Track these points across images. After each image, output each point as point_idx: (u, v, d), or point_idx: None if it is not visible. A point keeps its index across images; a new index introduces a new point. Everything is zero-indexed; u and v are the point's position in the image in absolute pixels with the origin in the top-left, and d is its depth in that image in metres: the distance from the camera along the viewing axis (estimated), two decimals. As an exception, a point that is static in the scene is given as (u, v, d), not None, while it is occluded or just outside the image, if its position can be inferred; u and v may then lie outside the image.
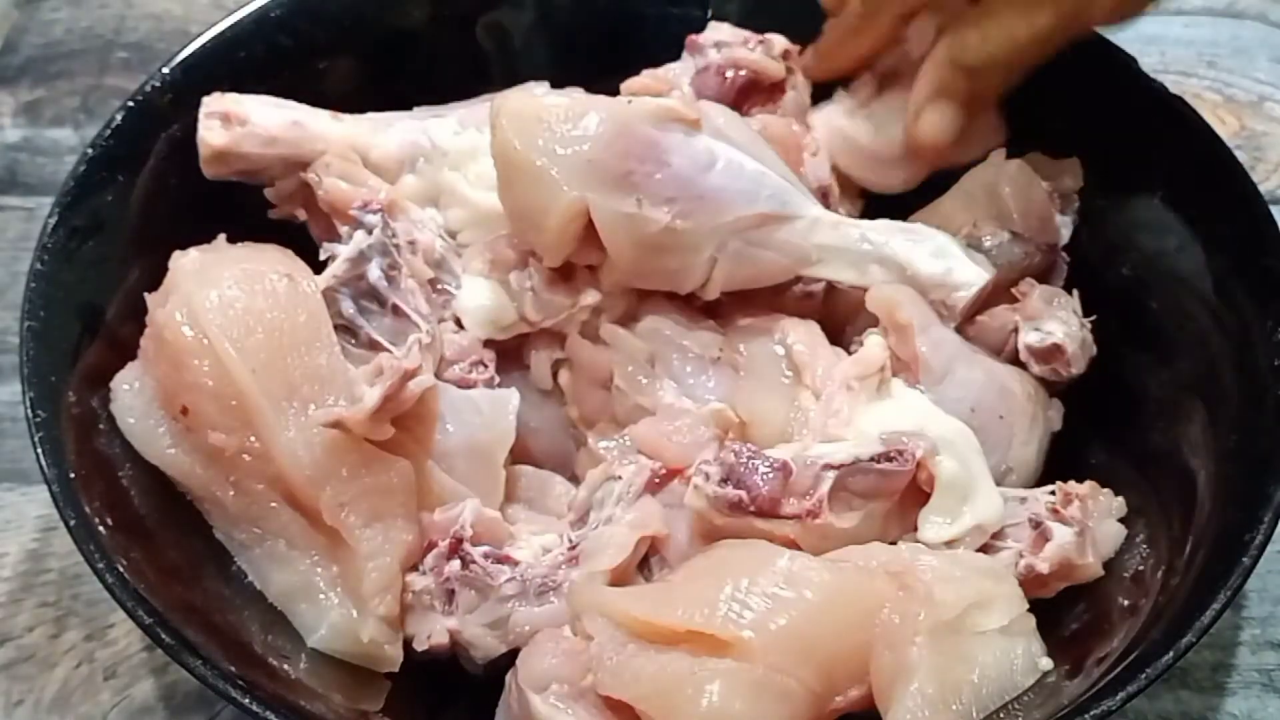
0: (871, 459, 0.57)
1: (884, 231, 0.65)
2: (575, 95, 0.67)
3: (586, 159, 0.60)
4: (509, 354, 0.66)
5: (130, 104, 0.68)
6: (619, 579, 0.58)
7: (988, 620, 0.55)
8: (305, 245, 0.66)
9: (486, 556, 0.59)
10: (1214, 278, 0.64)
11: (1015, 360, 0.65)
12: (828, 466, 0.57)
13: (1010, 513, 0.60)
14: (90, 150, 0.66)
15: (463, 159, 0.68)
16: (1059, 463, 0.64)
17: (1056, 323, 0.64)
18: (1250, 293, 0.62)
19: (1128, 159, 0.68)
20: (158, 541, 0.59)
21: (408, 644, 0.59)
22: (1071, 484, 0.61)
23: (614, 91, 0.70)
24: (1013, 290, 0.66)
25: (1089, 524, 0.59)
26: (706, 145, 0.62)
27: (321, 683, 0.57)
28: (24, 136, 0.89)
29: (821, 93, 0.73)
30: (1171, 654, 0.52)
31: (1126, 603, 0.58)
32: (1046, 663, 0.56)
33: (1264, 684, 0.66)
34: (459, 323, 0.65)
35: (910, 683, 0.52)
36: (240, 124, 0.67)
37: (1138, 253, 0.68)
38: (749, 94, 0.71)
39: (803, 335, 0.64)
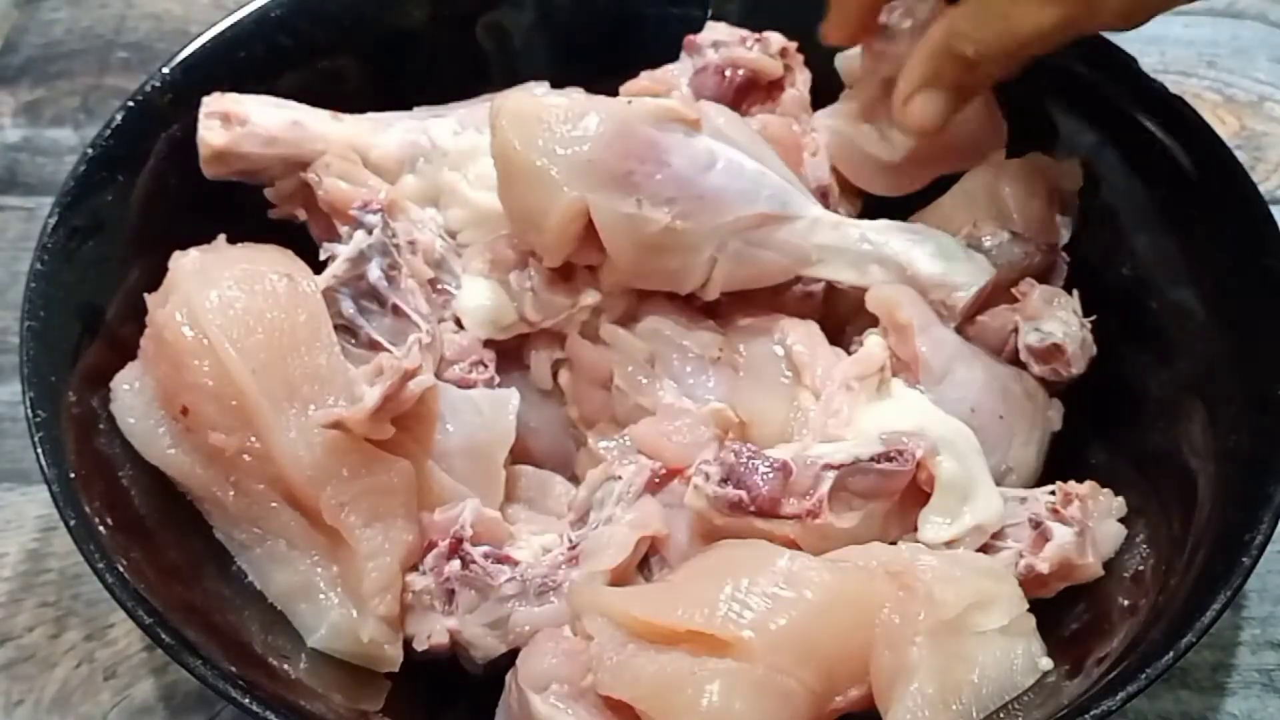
0: (871, 459, 0.57)
1: (884, 231, 0.65)
2: (575, 95, 0.67)
3: (586, 159, 0.60)
4: (509, 354, 0.66)
5: (130, 104, 0.68)
6: (619, 579, 0.58)
7: (988, 620, 0.55)
8: (305, 245, 0.66)
9: (486, 556, 0.59)
10: (1214, 278, 0.64)
11: (1015, 360, 0.65)
12: (828, 466, 0.57)
13: (1010, 513, 0.60)
14: (90, 150, 0.66)
15: (463, 159, 0.68)
16: (1059, 463, 0.64)
17: (1056, 323, 0.64)
18: (1250, 293, 0.62)
19: (1128, 159, 0.68)
20: (158, 541, 0.59)
21: (408, 644, 0.59)
22: (1071, 484, 0.61)
23: (614, 92, 0.70)
24: (1013, 290, 0.66)
25: (1089, 524, 0.60)
26: (706, 145, 0.62)
27: (321, 683, 0.57)
28: (24, 136, 0.89)
29: (822, 94, 0.73)
30: (1171, 654, 0.52)
31: (1126, 603, 0.58)
32: (1046, 663, 0.56)
33: (1264, 684, 0.66)
34: (459, 323, 0.65)
35: (910, 683, 0.52)
36: (240, 124, 0.67)
37: (1138, 253, 0.68)
38: (748, 93, 0.71)
39: (802, 335, 0.64)
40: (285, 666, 0.57)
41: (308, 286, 0.61)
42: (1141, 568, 0.59)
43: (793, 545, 0.57)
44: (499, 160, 0.62)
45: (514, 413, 0.63)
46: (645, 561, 0.60)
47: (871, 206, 0.71)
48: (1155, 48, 0.91)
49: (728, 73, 0.71)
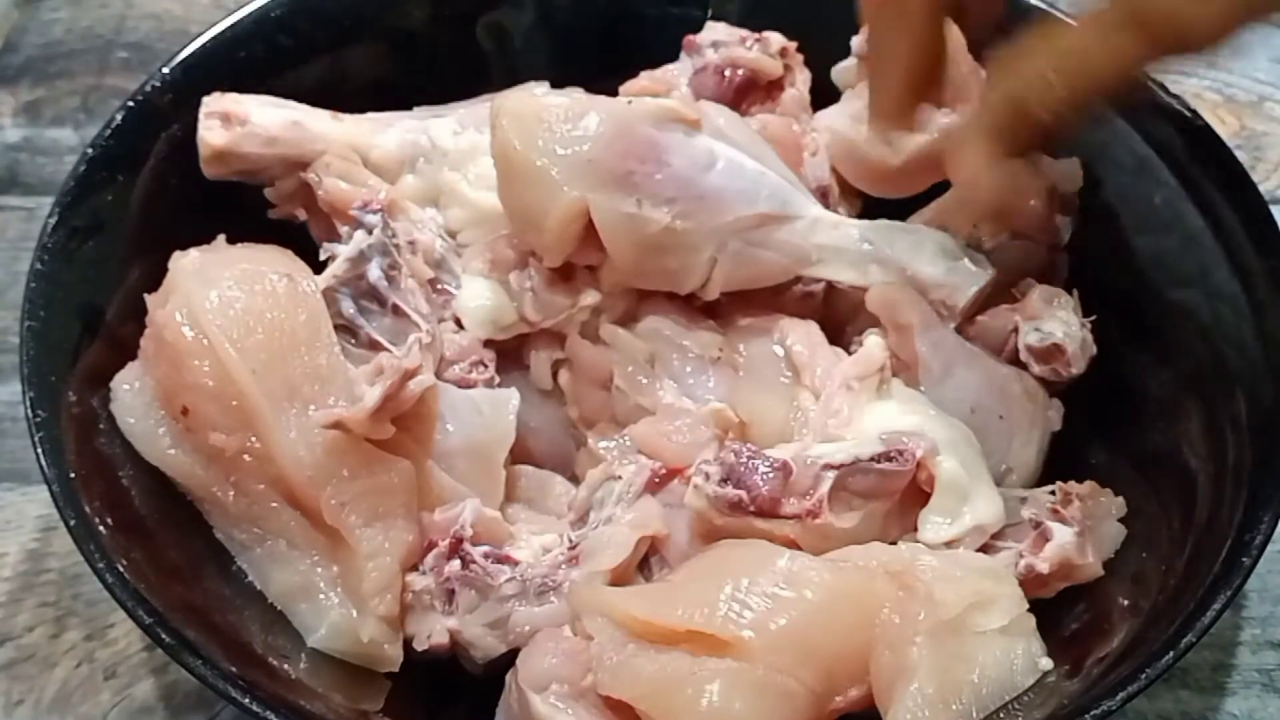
0: (871, 459, 0.57)
1: (884, 231, 0.65)
2: (575, 95, 0.67)
3: (587, 159, 0.60)
4: (509, 354, 0.66)
5: (130, 104, 0.68)
6: (619, 579, 0.58)
7: (988, 620, 0.55)
8: (305, 245, 0.66)
9: (486, 556, 0.59)
10: (1214, 278, 0.64)
11: (1015, 360, 0.65)
12: (828, 466, 0.57)
13: (1010, 513, 0.60)
14: (90, 150, 0.66)
15: (463, 159, 0.68)
16: (1059, 463, 0.64)
17: (1056, 323, 0.64)
18: (1250, 293, 0.62)
19: (1128, 159, 0.68)
20: (158, 541, 0.59)
21: (408, 644, 0.59)
22: (1071, 484, 0.61)
23: (614, 92, 0.70)
24: (1012, 290, 0.66)
25: (1089, 524, 0.60)
26: (706, 145, 0.62)
27: (321, 683, 0.57)
28: (24, 136, 0.89)
29: (822, 94, 0.72)
30: (1171, 654, 0.52)
31: (1126, 603, 0.58)
32: (1046, 663, 0.56)
33: (1264, 684, 0.66)
34: (459, 323, 0.65)
35: (910, 683, 0.52)
36: (240, 124, 0.67)
37: (1138, 253, 0.68)
38: (747, 93, 0.71)
39: (802, 336, 0.64)
40: (285, 666, 0.57)
41: (308, 286, 0.61)
42: (1141, 568, 0.60)
43: (793, 545, 0.57)
44: (499, 160, 0.62)
45: (514, 413, 0.63)
46: (645, 561, 0.60)
47: (871, 206, 0.71)
48: (1155, 47, 0.90)
49: (727, 73, 0.71)
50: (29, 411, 0.59)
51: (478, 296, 0.65)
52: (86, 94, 0.91)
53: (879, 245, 0.64)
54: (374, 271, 0.63)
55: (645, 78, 0.72)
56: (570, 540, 0.60)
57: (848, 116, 0.70)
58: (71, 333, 0.63)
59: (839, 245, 0.64)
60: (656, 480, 0.60)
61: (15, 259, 0.82)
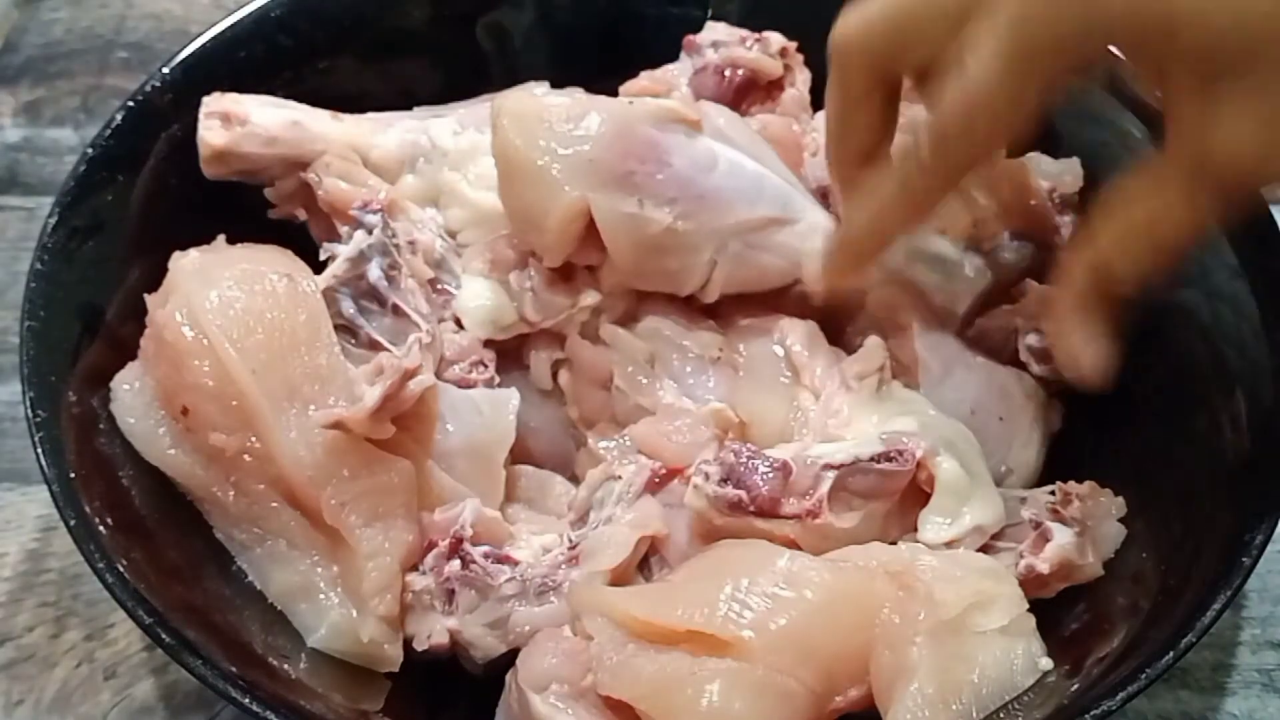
0: (871, 459, 0.57)
1: None
2: (576, 95, 0.67)
3: (588, 159, 0.60)
4: (509, 354, 0.66)
5: (130, 104, 0.68)
6: (619, 579, 0.58)
7: (988, 620, 0.55)
8: (305, 245, 0.66)
9: (486, 556, 0.59)
10: (1214, 278, 0.64)
11: (1015, 361, 0.65)
12: (828, 466, 0.57)
13: (1010, 513, 0.60)
14: (90, 150, 0.66)
15: (463, 159, 0.68)
16: (1059, 463, 0.64)
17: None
18: (1250, 293, 0.62)
19: (1128, 159, 0.68)
20: (158, 541, 0.59)
21: (408, 644, 0.59)
22: (1071, 484, 0.61)
23: (614, 92, 0.70)
24: (1012, 291, 0.66)
25: (1089, 524, 0.59)
26: (707, 146, 0.62)
27: (321, 683, 0.57)
28: (24, 136, 0.89)
29: (822, 94, 0.72)
30: (1171, 654, 0.52)
31: (1126, 603, 0.58)
32: (1046, 663, 0.56)
33: (1264, 684, 0.66)
34: (459, 323, 0.65)
35: (910, 683, 0.52)
36: (240, 124, 0.67)
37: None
38: (747, 93, 0.71)
39: (801, 336, 0.64)
40: (285, 666, 0.57)
41: (308, 286, 0.61)
42: (1141, 568, 0.59)
43: (793, 545, 0.57)
44: (500, 159, 0.62)
45: (514, 413, 0.63)
46: (645, 561, 0.59)
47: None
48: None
49: (727, 73, 0.71)
50: (29, 411, 0.59)
51: (478, 296, 0.65)
52: (86, 94, 0.91)
53: None
54: (374, 271, 0.63)
55: (645, 78, 0.72)
56: (570, 540, 0.60)
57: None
58: (71, 333, 0.63)
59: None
60: (656, 480, 0.60)
61: (15, 259, 0.82)
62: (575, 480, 0.65)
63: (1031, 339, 0.64)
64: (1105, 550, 0.60)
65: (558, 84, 0.73)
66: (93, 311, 0.64)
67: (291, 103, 0.69)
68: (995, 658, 0.54)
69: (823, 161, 0.69)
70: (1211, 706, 0.65)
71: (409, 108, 0.71)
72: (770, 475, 0.57)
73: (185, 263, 0.62)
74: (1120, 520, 0.61)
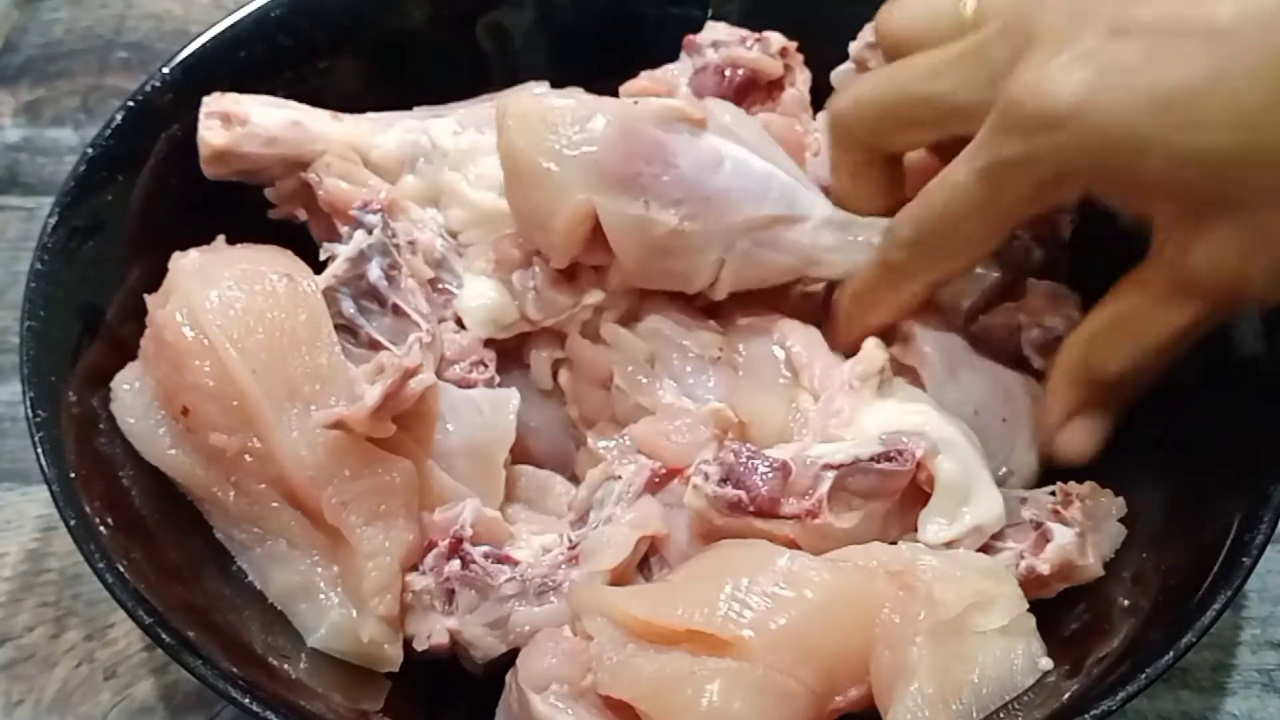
0: (871, 459, 0.57)
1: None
2: (580, 97, 0.67)
3: (593, 161, 0.60)
4: (509, 354, 0.66)
5: (130, 104, 0.68)
6: (619, 579, 0.58)
7: (988, 620, 0.55)
8: (305, 245, 0.66)
9: (486, 556, 0.59)
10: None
11: (1019, 359, 0.64)
12: (827, 466, 0.57)
13: (1010, 513, 0.60)
14: (90, 150, 0.66)
15: (463, 159, 0.68)
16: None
17: (1059, 318, 0.64)
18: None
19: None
20: (158, 541, 0.59)
21: (408, 644, 0.59)
22: (1072, 485, 0.61)
23: (614, 92, 0.70)
24: (1014, 290, 0.66)
25: (1090, 524, 0.59)
26: (713, 145, 0.62)
27: (321, 683, 0.57)
28: (24, 136, 0.89)
29: (822, 95, 0.72)
30: (1171, 654, 0.52)
31: (1126, 603, 0.58)
32: (1046, 663, 0.56)
33: (1264, 684, 0.66)
34: (459, 323, 0.65)
35: (910, 683, 0.52)
36: (240, 124, 0.67)
37: (1138, 252, 0.67)
38: (748, 92, 0.71)
39: (800, 337, 0.64)
40: (285, 666, 0.57)
41: (308, 286, 0.61)
42: (1141, 568, 0.59)
43: (792, 545, 0.56)
44: (505, 161, 0.62)
45: (514, 413, 0.63)
46: (645, 561, 0.59)
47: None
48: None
49: (728, 72, 0.71)
50: (29, 411, 0.59)
51: (479, 295, 0.65)
52: (86, 94, 0.91)
53: None
54: (374, 271, 0.63)
55: (645, 78, 0.72)
56: (570, 540, 0.60)
57: (825, 130, 0.70)
58: (71, 333, 0.63)
59: (845, 247, 0.64)
60: (656, 480, 0.60)
61: (15, 259, 0.82)
62: (575, 480, 0.65)
63: (1035, 334, 0.64)
64: (1106, 550, 0.60)
65: (558, 84, 0.73)
66: (93, 311, 0.64)
67: (291, 103, 0.69)
68: (995, 658, 0.54)
69: (824, 161, 0.70)
70: (1211, 706, 0.65)
71: (409, 108, 0.71)
72: (770, 475, 0.57)
73: (185, 263, 0.62)
74: (1120, 520, 0.61)
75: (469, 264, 0.66)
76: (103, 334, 0.64)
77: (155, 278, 0.62)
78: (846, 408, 0.61)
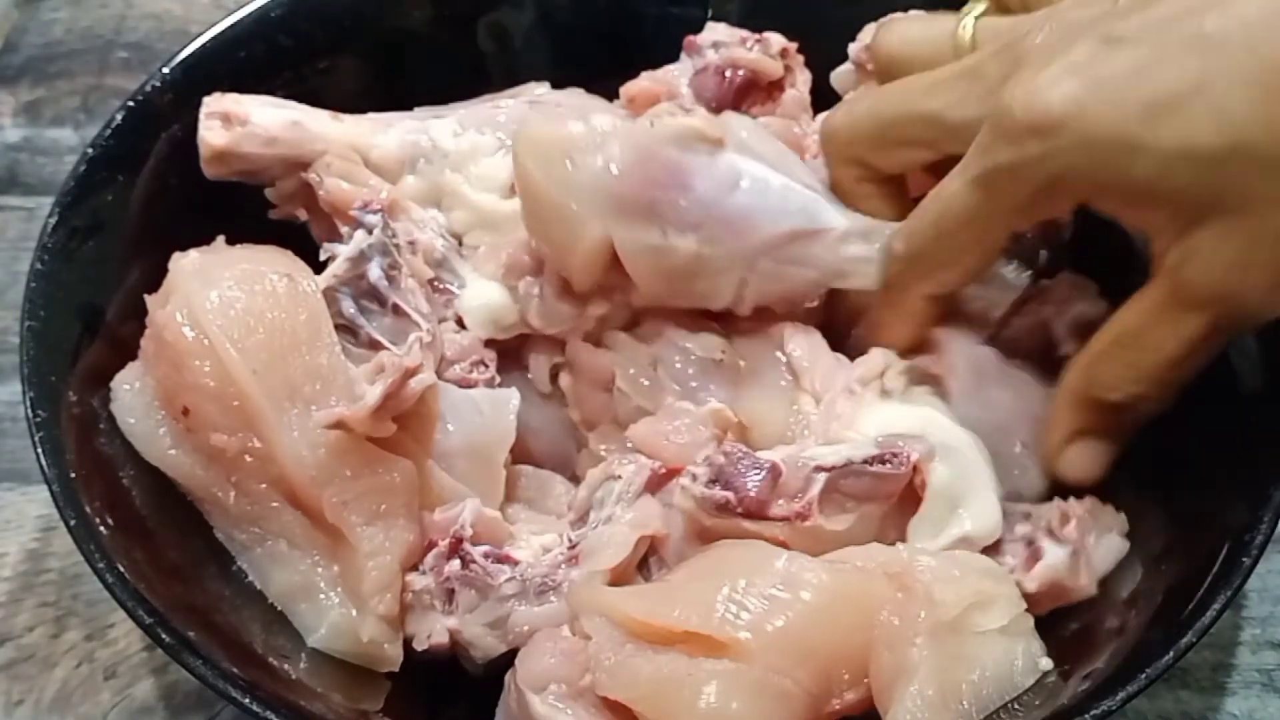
0: (864, 461, 0.57)
1: None
2: (595, 119, 0.65)
3: (609, 191, 0.59)
4: (509, 354, 0.66)
5: (130, 104, 0.68)
6: (619, 579, 0.58)
7: (987, 620, 0.55)
8: (305, 245, 0.66)
9: (486, 556, 0.59)
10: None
11: (1053, 359, 0.63)
12: (819, 469, 0.57)
13: (1010, 528, 0.59)
14: (90, 150, 0.66)
15: (464, 160, 0.68)
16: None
17: (1087, 304, 0.64)
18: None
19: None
20: (158, 541, 0.59)
21: (408, 644, 0.59)
22: (1071, 502, 0.60)
23: (614, 92, 0.70)
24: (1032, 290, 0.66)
25: (1086, 542, 0.59)
26: (730, 163, 0.61)
27: (321, 683, 0.57)
28: (24, 136, 0.89)
29: (823, 96, 0.72)
30: (1171, 654, 0.52)
31: (1127, 602, 0.58)
32: (1046, 663, 0.55)
33: (1264, 684, 0.66)
34: (460, 322, 0.65)
35: (910, 684, 0.52)
36: (241, 124, 0.67)
37: (1138, 253, 0.67)
38: (748, 93, 0.71)
39: (802, 341, 0.63)
40: (285, 666, 0.57)
41: (308, 286, 0.61)
42: (1142, 567, 0.59)
43: (787, 547, 0.56)
44: (522, 192, 0.61)
45: (514, 413, 0.63)
46: (644, 562, 0.59)
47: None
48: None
49: (728, 73, 0.70)
50: (29, 411, 0.59)
51: (480, 296, 0.65)
52: (86, 94, 0.91)
53: None
54: (374, 271, 0.63)
55: (645, 78, 0.72)
56: (570, 540, 0.60)
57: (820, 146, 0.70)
58: (71, 333, 0.63)
59: (870, 256, 0.62)
60: (656, 480, 0.60)
61: (15, 259, 0.82)
62: (575, 480, 0.64)
63: (1066, 320, 0.63)
64: (1101, 570, 0.59)
65: (558, 84, 0.73)
66: (93, 311, 0.64)
67: (291, 103, 0.69)
68: (995, 658, 0.54)
69: (822, 164, 0.70)
70: (1211, 706, 0.65)
71: (409, 108, 0.71)
72: (759, 477, 0.57)
73: (185, 263, 0.62)
74: (1121, 520, 0.61)
75: (477, 267, 0.66)
76: (103, 334, 0.64)
77: (155, 278, 0.62)
78: (847, 411, 0.60)
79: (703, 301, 0.63)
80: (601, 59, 0.75)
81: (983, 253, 0.58)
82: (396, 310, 0.63)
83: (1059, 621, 0.59)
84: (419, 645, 0.58)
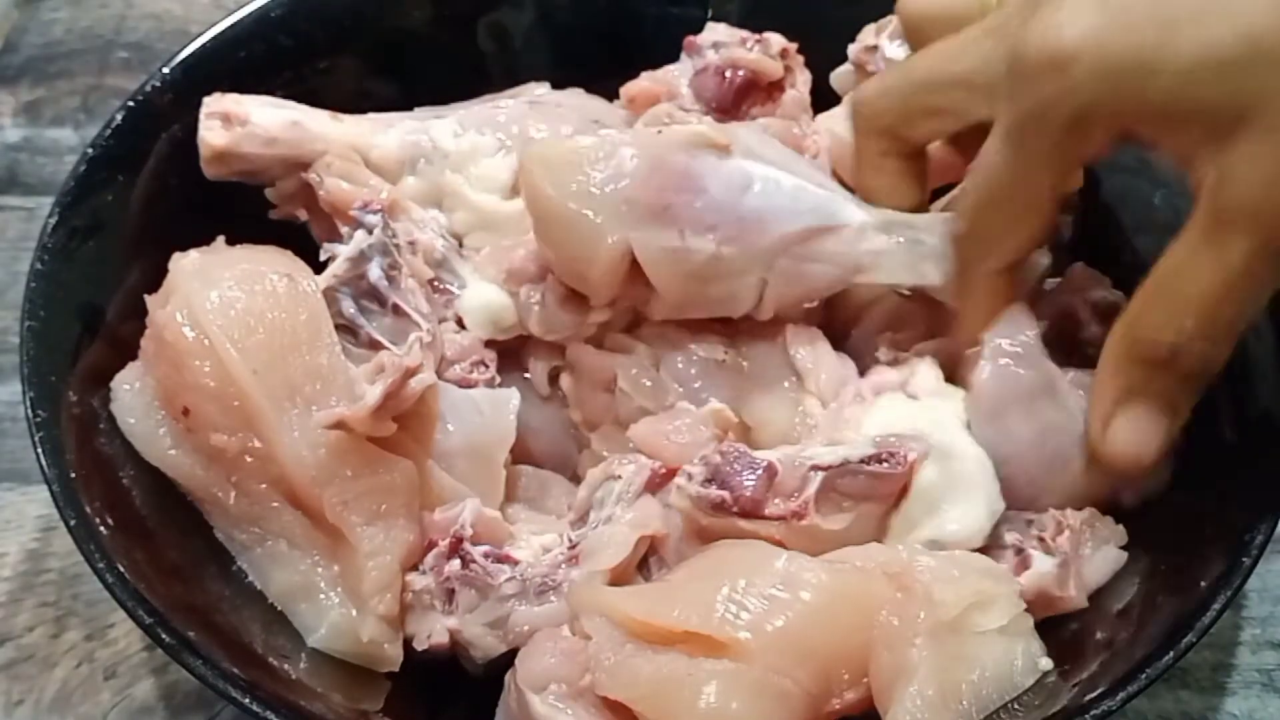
0: (861, 460, 0.57)
1: (935, 225, 0.62)
2: (602, 131, 0.65)
3: (624, 199, 0.59)
4: (509, 354, 0.66)
5: (130, 104, 0.68)
6: (619, 578, 0.58)
7: (987, 620, 0.55)
8: (305, 245, 0.66)
9: (486, 556, 0.59)
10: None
11: (1073, 345, 0.63)
12: (815, 468, 0.57)
13: (996, 536, 0.58)
14: (90, 150, 0.66)
15: (464, 160, 0.68)
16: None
17: (1105, 290, 0.64)
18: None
19: (1128, 159, 0.68)
20: (158, 541, 0.59)
21: (408, 644, 0.59)
22: (1069, 512, 0.59)
23: (614, 92, 0.70)
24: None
25: (1079, 554, 0.58)
26: (740, 166, 0.61)
27: (321, 683, 0.57)
28: (24, 136, 0.89)
29: (823, 96, 0.73)
30: (1171, 654, 0.52)
31: (1127, 603, 0.58)
32: (1046, 663, 0.55)
33: (1264, 684, 0.66)
34: (460, 323, 0.65)
35: (910, 684, 0.52)
36: (241, 124, 0.67)
37: (1138, 253, 0.68)
38: (748, 94, 0.71)
39: (805, 343, 0.63)
40: (285, 666, 0.57)
41: (308, 286, 0.61)
42: (1142, 567, 0.59)
43: (784, 547, 0.56)
44: (532, 208, 0.61)
45: (514, 413, 0.63)
46: (644, 561, 0.59)
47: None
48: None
49: (728, 74, 0.70)
50: (29, 411, 0.59)
51: (480, 296, 0.65)
52: (86, 94, 0.91)
53: (931, 243, 0.62)
54: (374, 271, 0.63)
55: (645, 78, 0.72)
56: (570, 540, 0.60)
57: (848, 120, 0.70)
58: (71, 333, 0.63)
59: (890, 249, 0.62)
60: (656, 480, 0.60)
61: (15, 259, 0.82)
62: (576, 480, 0.64)
63: (1092, 300, 0.64)
64: (1093, 582, 0.59)
65: (558, 84, 0.73)
66: (93, 311, 0.64)
67: (291, 103, 0.69)
68: (995, 658, 0.54)
69: (824, 163, 0.70)
70: (1211, 706, 0.65)
71: (409, 108, 0.71)
72: (754, 476, 0.56)
73: (185, 263, 0.62)
74: (1120, 523, 0.61)
75: (479, 270, 0.66)
76: (103, 334, 0.64)
77: (155, 278, 0.62)
78: (855, 417, 0.60)
79: (723, 309, 0.63)
80: (601, 59, 0.75)
81: (1037, 212, 0.57)
82: (396, 310, 0.63)
83: (1059, 622, 0.59)
84: (419, 645, 0.58)
